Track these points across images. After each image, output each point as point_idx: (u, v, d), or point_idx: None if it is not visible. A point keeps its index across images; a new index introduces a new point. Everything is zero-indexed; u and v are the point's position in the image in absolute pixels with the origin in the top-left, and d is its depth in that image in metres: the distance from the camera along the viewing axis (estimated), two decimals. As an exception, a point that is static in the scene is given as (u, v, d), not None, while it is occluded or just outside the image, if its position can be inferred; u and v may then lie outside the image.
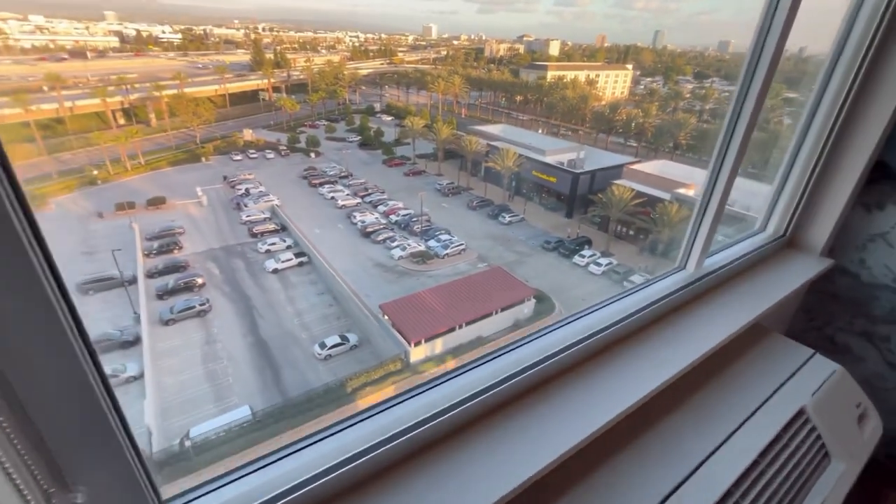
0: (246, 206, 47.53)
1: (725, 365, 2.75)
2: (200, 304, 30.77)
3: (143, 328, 27.97)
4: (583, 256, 39.15)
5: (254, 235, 41.91)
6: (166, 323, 29.52)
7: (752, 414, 2.41)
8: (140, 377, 24.65)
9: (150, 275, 34.63)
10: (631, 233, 43.32)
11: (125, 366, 25.18)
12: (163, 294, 32.27)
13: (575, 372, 2.14)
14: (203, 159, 63.66)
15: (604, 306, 2.53)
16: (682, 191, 41.55)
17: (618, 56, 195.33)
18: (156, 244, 38.43)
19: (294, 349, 28.11)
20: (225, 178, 56.41)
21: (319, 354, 27.11)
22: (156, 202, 47.21)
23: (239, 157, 65.17)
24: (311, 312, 31.75)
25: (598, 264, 38.01)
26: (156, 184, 53.68)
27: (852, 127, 3.25)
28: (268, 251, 39.08)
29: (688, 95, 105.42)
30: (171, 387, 24.86)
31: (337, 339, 28.07)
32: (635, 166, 49.43)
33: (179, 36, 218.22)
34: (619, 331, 2.34)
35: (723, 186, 2.69)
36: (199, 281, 33.57)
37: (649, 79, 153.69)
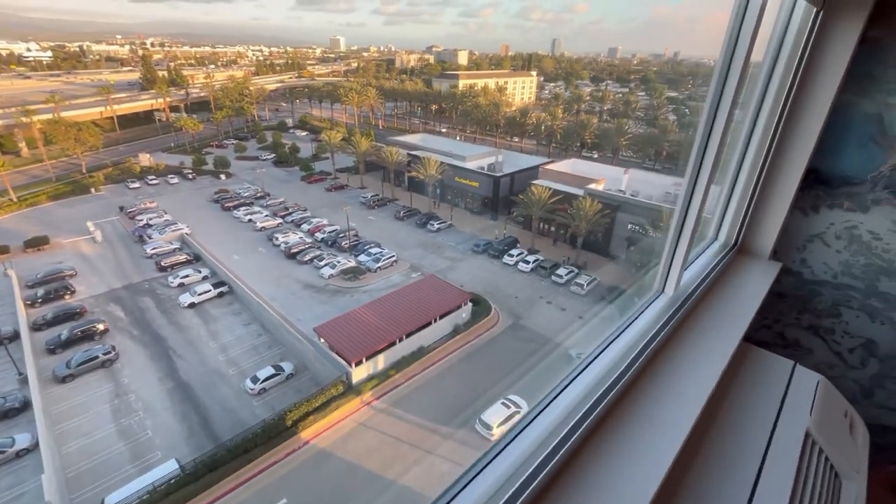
0: (150, 237, 43.10)
1: (724, 390, 2.64)
2: (104, 353, 27.24)
3: (32, 390, 24.10)
4: (511, 256, 40.65)
5: (163, 269, 38.09)
6: (63, 380, 25.73)
7: (767, 449, 2.37)
8: (35, 448, 21.18)
9: (37, 327, 30.04)
10: (552, 229, 45.84)
11: (13, 438, 21.49)
12: (55, 347, 28.11)
13: (598, 438, 1.95)
14: (93, 190, 56.79)
15: (601, 352, 2.41)
16: (593, 186, 44.85)
17: (522, 63, 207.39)
18: (40, 291, 33.43)
19: (222, 387, 25.89)
20: (122, 208, 50.78)
21: (252, 389, 25.23)
22: (36, 243, 41.12)
23: (136, 185, 59.10)
24: (238, 345, 29.49)
25: (527, 262, 39.69)
26: (34, 222, 46.84)
27: (788, 140, 3.54)
28: (181, 285, 35.71)
29: (587, 98, 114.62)
30: (76, 453, 21.63)
31: (270, 371, 26.32)
32: (549, 166, 52.45)
33: (49, 54, 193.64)
34: (628, 381, 2.22)
35: (699, 201, 2.69)
36: (101, 327, 29.74)
37: (552, 84, 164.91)
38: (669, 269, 2.90)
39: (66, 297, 33.71)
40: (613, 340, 2.47)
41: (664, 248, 2.90)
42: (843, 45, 3.08)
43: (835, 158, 3.53)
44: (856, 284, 3.76)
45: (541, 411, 1.94)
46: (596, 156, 75.80)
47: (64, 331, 29.27)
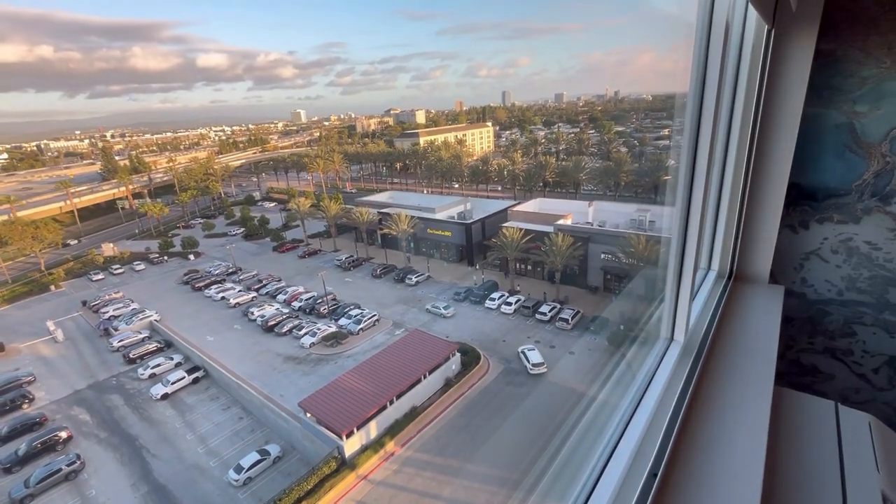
0: (116, 329, 40.94)
1: (773, 450, 2.22)
2: (68, 464, 24.79)
3: (-15, 520, 21.47)
4: (493, 300, 40.46)
5: (131, 361, 35.91)
6: (21, 503, 23.09)
7: None
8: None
9: (-10, 445, 27.31)
10: (529, 267, 46.27)
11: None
12: (11, 465, 25.45)
13: None
14: (52, 287, 54.32)
15: (627, 424, 2.06)
16: (561, 221, 46.05)
17: (477, 116, 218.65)
18: (-6, 404, 30.74)
19: (204, 484, 23.74)
20: (84, 303, 48.47)
21: (236, 481, 23.22)
22: (-10, 352, 38.35)
23: (100, 276, 56.97)
24: (217, 434, 27.47)
25: (509, 304, 39.54)
26: (-12, 329, 43.96)
27: (764, 159, 3.44)
28: (152, 375, 33.61)
29: (543, 140, 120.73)
30: (36, 588, 19.02)
31: (255, 457, 24.43)
32: (517, 208, 53.79)
33: (5, 156, 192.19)
34: (670, 454, 1.91)
35: (696, 234, 2.49)
36: (63, 435, 27.28)
37: (508, 132, 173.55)
38: (676, 314, 2.61)
39: (24, 406, 31.08)
40: (637, 408, 2.16)
41: (665, 292, 2.61)
42: (800, 59, 3.12)
43: (814, 172, 3.45)
44: (864, 299, 3.54)
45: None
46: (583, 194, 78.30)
47: (22, 445, 26.67)
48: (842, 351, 3.78)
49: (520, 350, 32.80)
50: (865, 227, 3.40)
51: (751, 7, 2.85)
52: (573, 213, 49.24)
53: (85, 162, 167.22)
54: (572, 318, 36.23)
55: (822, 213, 3.54)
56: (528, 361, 30.97)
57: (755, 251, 3.75)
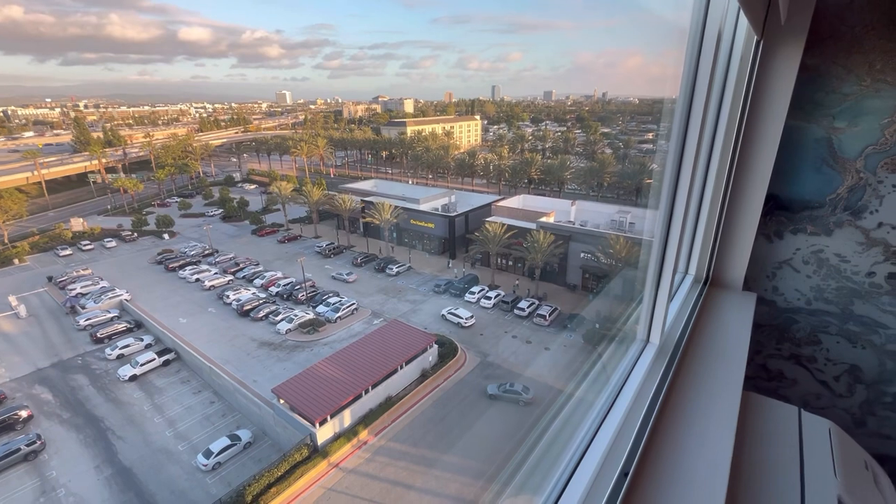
0: (84, 307, 39.61)
1: (739, 452, 2.27)
2: (28, 444, 24.00)
3: (-64, 499, 20.64)
4: (473, 293, 40.67)
5: (98, 341, 34.84)
6: (-25, 482, 22.31)
7: None
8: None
9: (-56, 422, 26.20)
10: (510, 263, 46.63)
11: None
12: (-34, 444, 24.51)
13: None
14: (16, 261, 52.08)
15: (600, 425, 2.08)
16: (544, 219, 46.46)
17: (466, 109, 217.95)
18: (-50, 380, 29.47)
19: (170, 467, 23.33)
20: (51, 278, 46.68)
21: (205, 465, 22.89)
22: (-54, 325, 36.65)
23: (68, 252, 54.89)
24: (187, 417, 26.98)
25: (488, 298, 39.82)
26: (-56, 302, 41.96)
27: (745, 168, 3.54)
28: (120, 356, 32.70)
29: (530, 137, 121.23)
30: (-11, 570, 18.45)
31: (226, 442, 24.12)
32: (501, 203, 54.00)
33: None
34: (640, 456, 1.93)
35: (676, 240, 2.52)
36: (23, 414, 26.36)
37: (496, 126, 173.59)
38: (653, 316, 2.67)
39: (-18, 383, 29.87)
40: (611, 408, 2.19)
41: (644, 293, 2.64)
42: (785, 72, 3.19)
43: (792, 183, 3.55)
44: (830, 309, 3.69)
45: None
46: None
47: (-22, 424, 25.69)
48: (806, 358, 3.93)
49: (444, 312, 36.98)
50: (836, 240, 3.52)
51: (742, 17, 2.88)
52: (556, 211, 49.74)
53: (56, 132, 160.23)
54: (550, 315, 36.73)
55: (796, 224, 3.64)
56: (461, 318, 36.29)
57: (731, 258, 3.84)
